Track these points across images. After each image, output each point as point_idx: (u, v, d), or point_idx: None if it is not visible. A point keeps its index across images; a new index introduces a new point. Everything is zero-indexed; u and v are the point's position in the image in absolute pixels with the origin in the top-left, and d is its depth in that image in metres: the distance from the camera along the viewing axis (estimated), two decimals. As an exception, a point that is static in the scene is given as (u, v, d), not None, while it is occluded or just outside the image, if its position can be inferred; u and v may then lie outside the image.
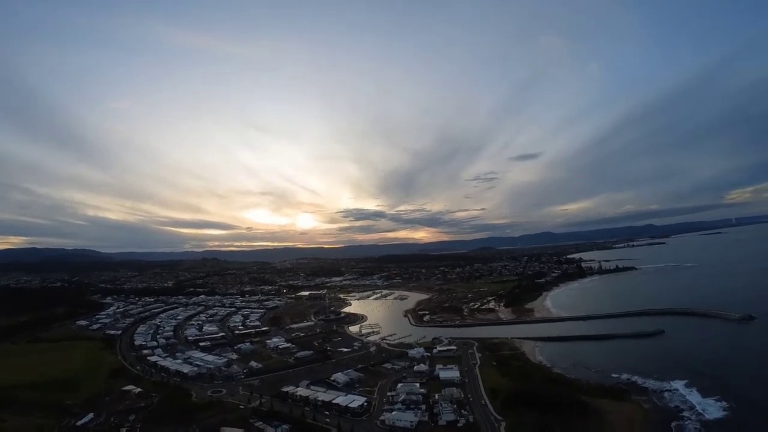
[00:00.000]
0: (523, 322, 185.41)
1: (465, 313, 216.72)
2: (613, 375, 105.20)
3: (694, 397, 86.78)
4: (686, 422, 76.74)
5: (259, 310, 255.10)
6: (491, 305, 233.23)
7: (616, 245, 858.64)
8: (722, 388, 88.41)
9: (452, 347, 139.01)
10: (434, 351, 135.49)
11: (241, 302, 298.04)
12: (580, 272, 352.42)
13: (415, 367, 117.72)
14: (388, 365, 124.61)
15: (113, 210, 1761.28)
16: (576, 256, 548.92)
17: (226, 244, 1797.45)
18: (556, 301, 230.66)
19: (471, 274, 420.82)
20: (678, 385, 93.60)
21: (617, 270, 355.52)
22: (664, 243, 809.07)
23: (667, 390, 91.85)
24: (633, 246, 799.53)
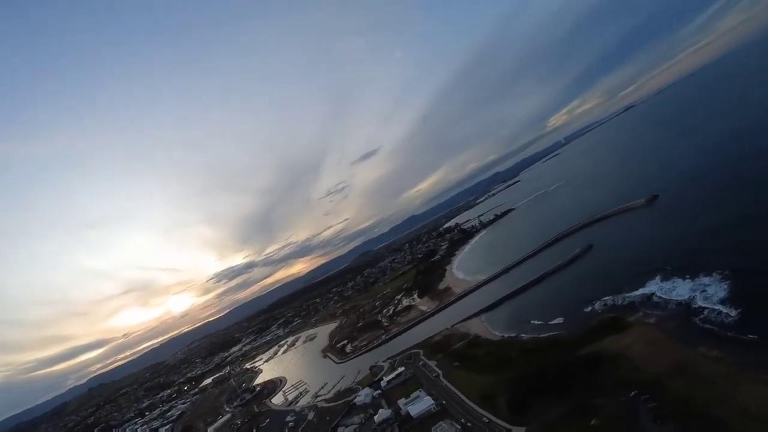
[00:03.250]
0: (449, 304, 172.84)
1: (385, 324, 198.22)
2: (585, 310, 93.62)
3: (682, 287, 78.49)
4: (708, 312, 66.80)
5: (165, 427, 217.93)
6: (405, 302, 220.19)
7: (478, 201, 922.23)
8: (693, 265, 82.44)
9: (399, 369, 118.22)
10: (383, 384, 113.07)
11: (142, 427, 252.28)
12: (466, 235, 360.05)
13: (376, 417, 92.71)
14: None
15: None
16: (450, 224, 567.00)
17: (109, 362, 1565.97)
18: (464, 268, 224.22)
19: (366, 283, 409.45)
20: (654, 286, 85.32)
21: (497, 217, 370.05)
22: (518, 181, 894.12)
23: (652, 294, 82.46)
24: (493, 195, 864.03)
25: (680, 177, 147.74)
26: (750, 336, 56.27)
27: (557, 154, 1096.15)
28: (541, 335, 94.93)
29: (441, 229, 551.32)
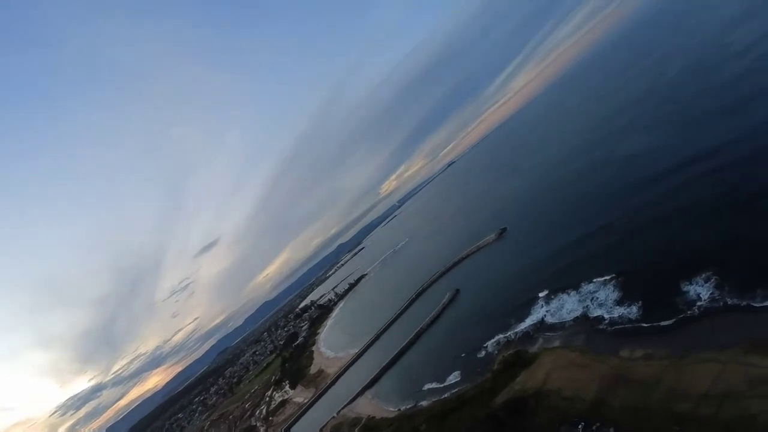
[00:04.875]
0: (326, 389, 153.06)
1: (262, 428, 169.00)
2: (479, 356, 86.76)
3: (570, 302, 77.55)
4: (609, 316, 64.66)
5: None
6: (278, 397, 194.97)
7: (328, 275, 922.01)
8: (570, 279, 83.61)
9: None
10: None
11: None
12: (324, 310, 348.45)
13: None
14: None
15: None
16: (306, 302, 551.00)
17: None
18: (332, 345, 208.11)
19: (230, 384, 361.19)
20: (541, 310, 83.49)
21: (352, 286, 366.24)
22: (363, 247, 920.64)
23: (542, 319, 79.88)
24: (343, 265, 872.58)
25: (519, 207, 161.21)
26: (663, 322, 54.82)
27: (395, 216, 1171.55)
28: (444, 396, 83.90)
29: (297, 309, 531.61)
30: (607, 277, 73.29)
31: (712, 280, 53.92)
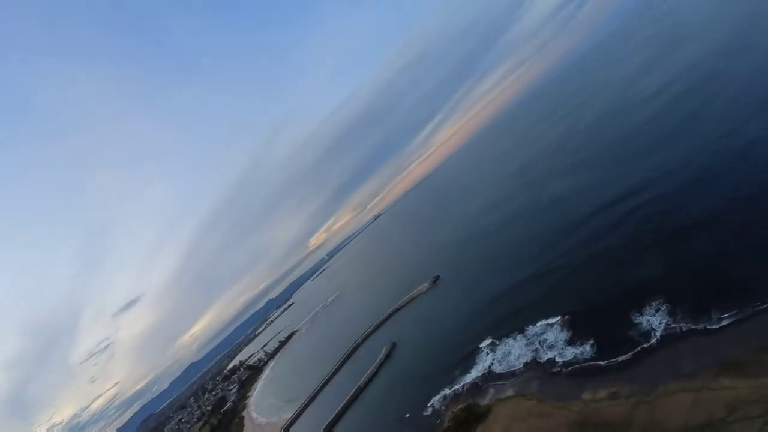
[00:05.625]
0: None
1: None
2: (426, 414, 78.89)
3: (517, 347, 73.46)
4: (561, 358, 60.81)
5: None
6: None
7: (258, 332, 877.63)
8: (513, 323, 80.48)
9: None
10: None
11: None
12: (254, 371, 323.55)
13: None
14: None
15: None
16: (234, 363, 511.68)
17: None
18: (264, 410, 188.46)
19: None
20: (486, 358, 78.86)
21: (283, 343, 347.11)
22: (292, 303, 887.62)
23: (489, 367, 74.75)
24: (272, 322, 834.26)
25: (450, 256, 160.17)
26: (621, 357, 52.01)
27: (324, 270, 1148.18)
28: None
29: (226, 371, 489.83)
30: (553, 319, 70.56)
31: (664, 308, 52.55)
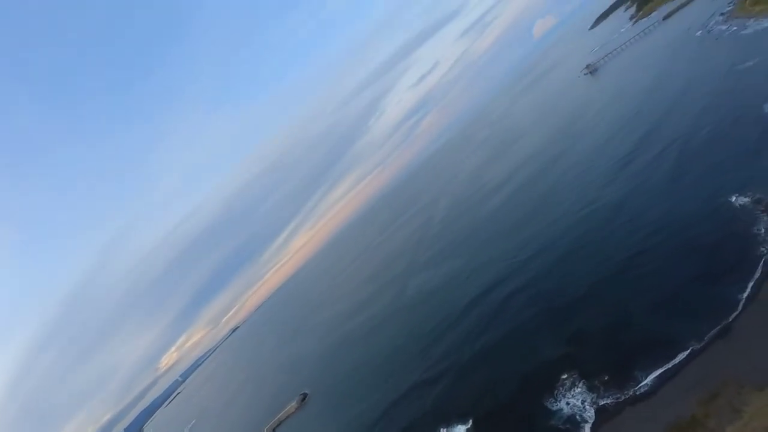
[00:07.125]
0: None
1: None
2: None
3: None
4: None
5: None
6: None
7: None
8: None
9: None
10: None
11: None
12: None
13: None
14: None
15: None
16: None
17: None
18: None
19: None
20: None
21: None
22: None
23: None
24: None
25: (314, 369, 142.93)
26: None
27: (179, 393, 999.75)
28: None
29: None
30: (456, 427, 59.37)
31: (580, 385, 47.51)
